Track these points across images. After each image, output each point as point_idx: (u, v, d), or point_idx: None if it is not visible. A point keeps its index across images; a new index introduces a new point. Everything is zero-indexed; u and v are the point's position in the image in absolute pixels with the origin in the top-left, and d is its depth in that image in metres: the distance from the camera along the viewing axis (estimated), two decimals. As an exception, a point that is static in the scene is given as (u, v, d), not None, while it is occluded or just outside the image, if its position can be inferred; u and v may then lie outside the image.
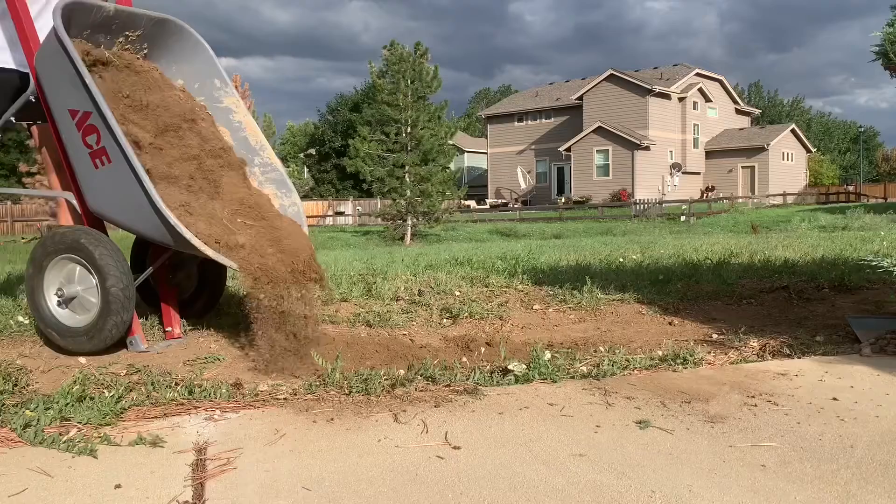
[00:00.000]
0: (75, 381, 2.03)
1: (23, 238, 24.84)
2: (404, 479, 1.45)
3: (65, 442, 1.63)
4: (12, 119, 2.68)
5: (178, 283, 2.91)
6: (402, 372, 2.17)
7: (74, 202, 2.59)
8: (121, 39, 2.67)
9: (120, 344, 2.50)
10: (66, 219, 2.87)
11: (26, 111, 2.68)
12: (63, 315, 2.50)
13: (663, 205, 29.72)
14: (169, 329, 2.77)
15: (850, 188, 44.82)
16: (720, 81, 42.01)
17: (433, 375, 2.16)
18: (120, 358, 2.46)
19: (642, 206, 29.83)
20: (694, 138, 39.10)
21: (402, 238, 22.64)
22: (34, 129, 2.92)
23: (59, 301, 2.50)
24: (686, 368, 2.32)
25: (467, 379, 2.16)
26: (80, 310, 2.49)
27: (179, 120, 2.62)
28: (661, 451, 1.60)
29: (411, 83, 23.02)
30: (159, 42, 2.78)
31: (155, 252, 2.76)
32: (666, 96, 37.37)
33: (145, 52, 2.77)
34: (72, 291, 2.48)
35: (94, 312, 2.44)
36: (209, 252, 2.30)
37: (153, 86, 2.63)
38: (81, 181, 2.51)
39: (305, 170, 53.81)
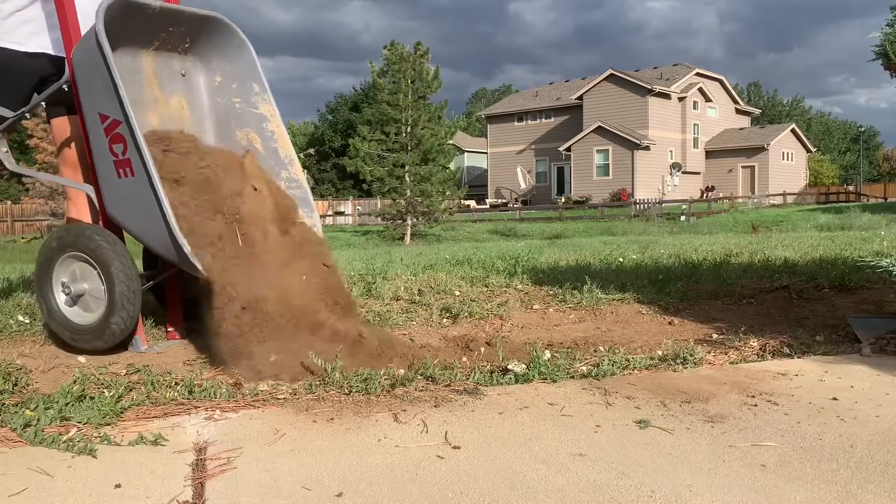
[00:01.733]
0: (75, 381, 2.03)
1: (23, 238, 24.86)
2: (404, 479, 1.45)
3: (65, 442, 1.63)
4: (43, 104, 2.66)
5: (187, 281, 2.90)
6: (401, 372, 2.17)
7: (94, 197, 2.58)
8: (163, 34, 2.67)
9: (120, 344, 2.50)
10: (77, 212, 2.81)
11: (56, 96, 2.64)
12: (65, 307, 2.52)
13: (663, 204, 29.76)
14: (171, 329, 2.76)
15: (851, 188, 44.86)
16: (720, 81, 42.05)
17: (433, 375, 2.16)
18: (120, 358, 2.46)
19: (642, 205, 29.87)
20: (694, 138, 39.13)
21: (402, 238, 22.67)
22: (54, 121, 2.87)
23: (63, 292, 2.52)
24: (686, 368, 2.32)
25: (467, 379, 2.16)
26: (81, 306, 2.50)
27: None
28: (661, 451, 1.60)
29: (412, 83, 23.06)
30: (202, 38, 2.77)
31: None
32: (666, 96, 37.39)
33: (187, 45, 2.77)
34: (79, 289, 2.49)
35: (90, 318, 2.45)
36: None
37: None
38: (102, 184, 2.50)
39: (305, 170, 53.79)
